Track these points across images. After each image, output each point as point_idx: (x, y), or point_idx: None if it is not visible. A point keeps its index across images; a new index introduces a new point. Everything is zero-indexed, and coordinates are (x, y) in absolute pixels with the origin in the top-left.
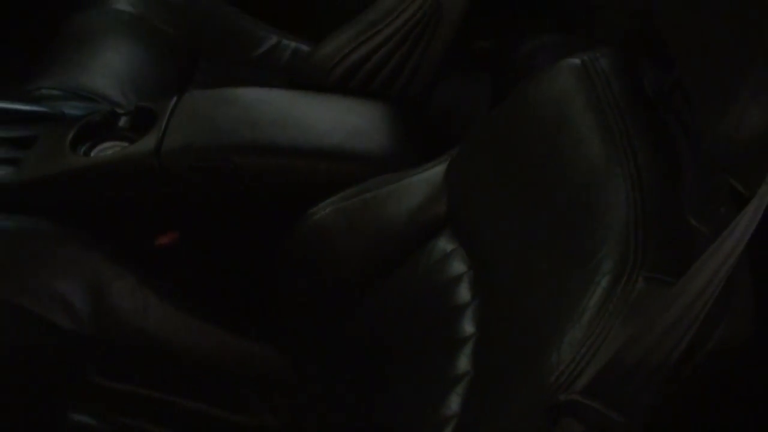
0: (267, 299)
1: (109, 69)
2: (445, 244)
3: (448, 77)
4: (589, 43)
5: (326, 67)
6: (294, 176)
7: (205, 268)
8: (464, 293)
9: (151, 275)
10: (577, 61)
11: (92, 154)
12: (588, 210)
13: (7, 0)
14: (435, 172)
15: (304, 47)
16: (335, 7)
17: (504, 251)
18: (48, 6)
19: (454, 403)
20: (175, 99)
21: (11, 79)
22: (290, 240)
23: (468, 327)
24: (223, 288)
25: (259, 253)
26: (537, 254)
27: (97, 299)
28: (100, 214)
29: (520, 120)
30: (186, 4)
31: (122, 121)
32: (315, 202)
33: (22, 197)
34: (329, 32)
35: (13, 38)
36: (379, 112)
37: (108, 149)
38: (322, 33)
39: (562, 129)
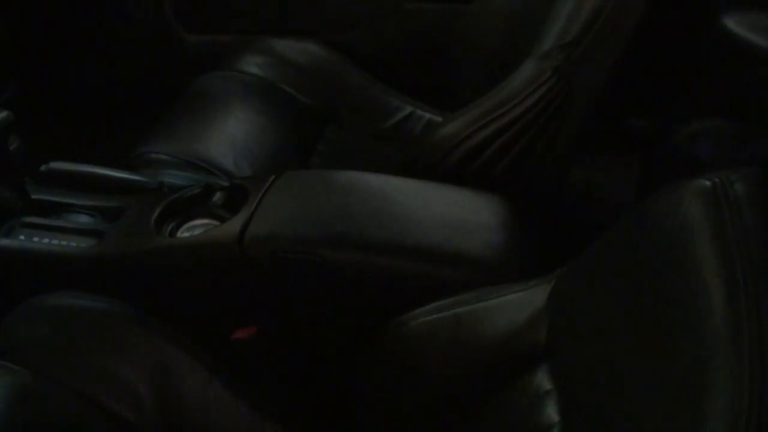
0: (342, 406)
1: (225, 136)
2: (540, 381)
3: (589, 157)
4: (759, 134)
5: (445, 149)
6: (386, 277)
7: (281, 367)
8: None
9: (223, 370)
10: (707, 183)
11: (179, 232)
12: (700, 387)
13: (130, 60)
14: (538, 292)
15: (438, 119)
16: (474, 78)
17: (609, 400)
18: (171, 66)
19: None
20: (272, 178)
21: (126, 140)
22: (373, 347)
23: None
24: (297, 389)
25: (339, 355)
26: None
27: (164, 391)
28: (179, 300)
29: (636, 248)
30: (317, 69)
31: (217, 197)
32: (406, 307)
33: (100, 272)
34: (466, 104)
35: (132, 98)
36: (494, 209)
37: (197, 228)
38: (459, 106)
39: (682, 271)
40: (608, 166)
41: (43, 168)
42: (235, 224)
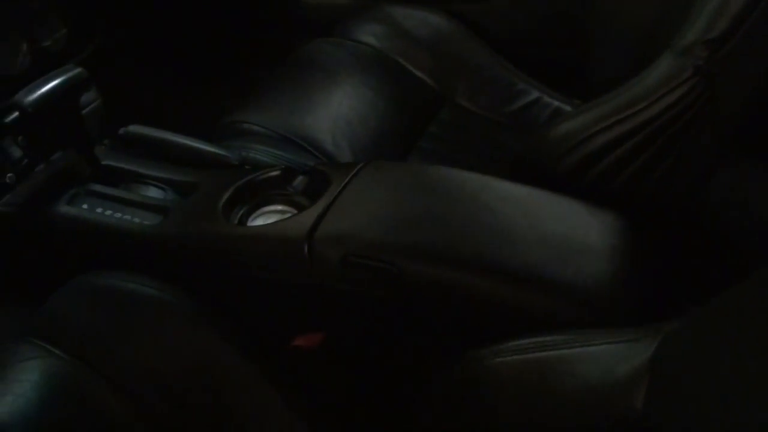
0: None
1: (327, 110)
2: None
3: (732, 164)
4: None
5: (560, 150)
6: (470, 299)
7: (338, 381)
8: None
9: (274, 376)
10: None
11: (250, 218)
12: None
13: (236, 15)
14: (642, 346)
15: (567, 108)
16: (610, 67)
17: None
18: (283, 28)
19: None
20: (358, 167)
21: (218, 107)
22: (446, 377)
23: None
24: (352, 407)
25: (406, 378)
26: None
27: (204, 390)
28: (238, 294)
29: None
30: (438, 42)
31: (298, 181)
32: (489, 336)
33: (159, 253)
34: (599, 95)
35: (232, 60)
36: (609, 230)
37: (270, 215)
38: (591, 94)
39: None
40: (754, 173)
41: (121, 131)
42: (307, 218)
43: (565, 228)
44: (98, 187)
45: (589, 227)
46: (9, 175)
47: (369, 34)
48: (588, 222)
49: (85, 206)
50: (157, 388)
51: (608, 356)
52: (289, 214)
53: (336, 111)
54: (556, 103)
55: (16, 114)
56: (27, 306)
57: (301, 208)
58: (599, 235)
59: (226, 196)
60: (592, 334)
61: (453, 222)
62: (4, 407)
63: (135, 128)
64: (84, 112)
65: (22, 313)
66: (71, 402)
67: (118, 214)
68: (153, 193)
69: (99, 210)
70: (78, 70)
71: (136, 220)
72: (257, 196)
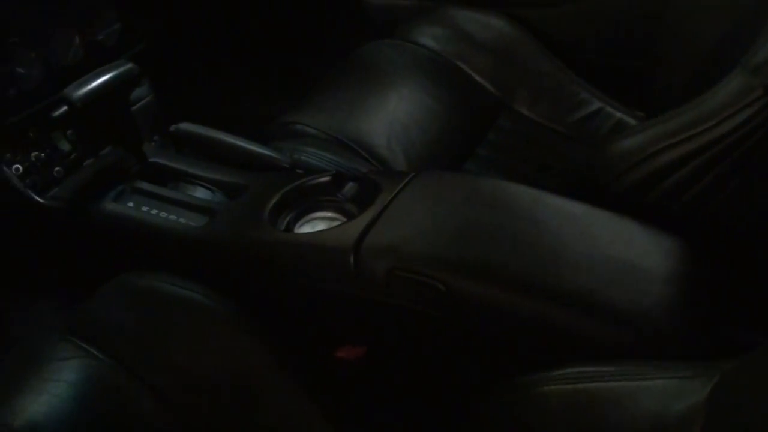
0: None
1: (383, 114)
2: None
3: None
4: None
5: (621, 167)
6: (519, 320)
7: (378, 395)
8: None
9: (314, 387)
10: None
11: (297, 224)
12: None
13: (296, 12)
14: (697, 383)
15: (631, 121)
16: (677, 80)
17: None
18: (343, 27)
19: None
20: (409, 176)
21: (272, 106)
22: (490, 399)
23: None
24: (394, 421)
25: (447, 396)
26: None
27: (242, 397)
28: (282, 301)
29: None
30: (499, 47)
31: (348, 187)
32: (536, 360)
33: (204, 255)
34: (663, 109)
35: (288, 58)
36: (669, 255)
37: (317, 222)
38: (655, 108)
39: None
40: None
41: (172, 128)
42: (354, 228)
43: (622, 251)
44: (145, 185)
45: (646, 251)
46: (57, 168)
47: (429, 37)
48: (646, 246)
49: (130, 204)
50: (194, 392)
51: (662, 393)
52: (337, 222)
53: (392, 115)
54: (618, 115)
55: (65, 108)
56: (67, 302)
57: (349, 216)
58: (657, 261)
59: (273, 200)
60: (646, 367)
61: (505, 238)
62: (40, 407)
63: (185, 126)
64: (135, 107)
65: (62, 309)
66: (106, 404)
67: (164, 214)
68: (200, 193)
69: (145, 208)
70: (129, 65)
71: (182, 220)
72: (306, 202)
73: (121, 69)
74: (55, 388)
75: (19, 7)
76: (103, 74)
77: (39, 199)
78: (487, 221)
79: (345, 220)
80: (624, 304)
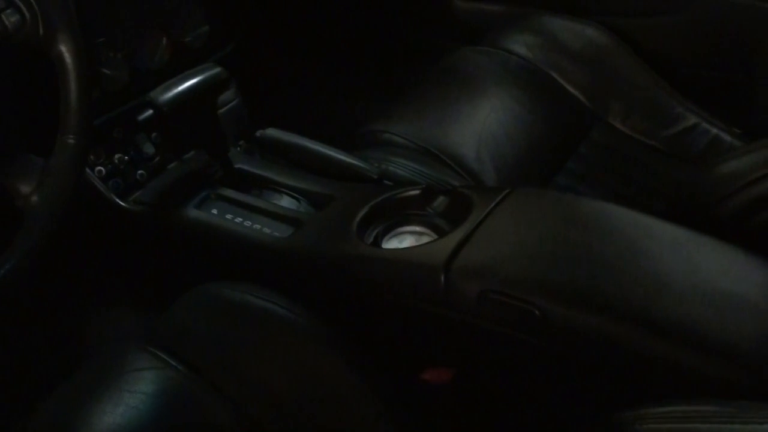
0: None
1: (472, 123)
2: None
3: None
4: None
5: (724, 191)
6: (614, 349)
7: (469, 423)
8: None
9: (396, 409)
10: None
11: (385, 238)
12: None
13: (383, 16)
14: None
15: (728, 138)
16: None
17: None
18: (431, 33)
19: None
20: (504, 193)
21: (358, 112)
22: None
23: None
24: None
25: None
26: None
27: (318, 415)
28: (368, 317)
29: None
30: (593, 57)
31: (438, 202)
32: (633, 393)
33: (288, 267)
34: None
35: (375, 64)
36: None
37: (406, 237)
38: (755, 126)
39: None
40: None
41: (258, 134)
42: (445, 246)
43: (727, 281)
44: (229, 192)
45: (753, 282)
46: (140, 172)
47: (521, 45)
48: (752, 276)
49: (214, 211)
50: (272, 407)
51: None
52: (426, 238)
53: (482, 125)
54: (715, 131)
55: (151, 111)
56: (146, 311)
57: (439, 232)
58: (765, 293)
59: (362, 213)
60: (754, 408)
61: (605, 263)
62: (115, 418)
63: (272, 132)
64: (221, 111)
65: (141, 318)
66: (183, 416)
67: (248, 223)
68: (286, 202)
69: (228, 216)
70: (217, 69)
71: (266, 230)
72: (394, 215)
73: (209, 73)
74: (132, 399)
75: (106, 8)
76: (191, 78)
77: (121, 203)
78: (586, 244)
79: (435, 236)
80: (728, 337)
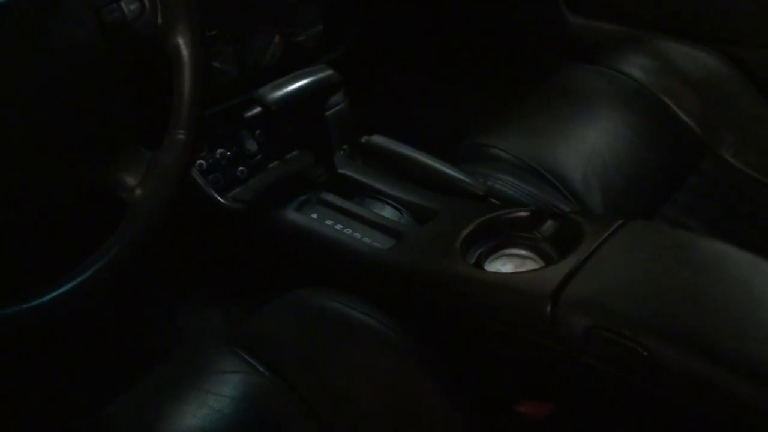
0: None
1: (580, 144)
2: None
3: None
4: None
5: None
6: (728, 401)
7: None
8: None
9: None
10: None
11: (488, 259)
12: None
13: (496, 28)
14: None
15: None
16: None
17: None
18: (543, 47)
19: None
20: (617, 224)
21: (462, 125)
22: None
23: None
24: None
25: None
26: None
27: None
28: (465, 338)
29: None
30: (709, 85)
31: (546, 226)
32: None
33: (386, 279)
34: None
35: (481, 75)
36: None
37: (510, 260)
38: None
39: None
40: None
41: (363, 139)
42: (554, 274)
43: None
44: (331, 197)
45: None
46: (241, 168)
47: (635, 67)
48: None
49: (314, 215)
50: (356, 421)
51: None
52: (531, 263)
53: (591, 147)
54: None
55: (258, 109)
56: (236, 311)
57: (546, 259)
58: None
59: (466, 231)
60: None
61: (718, 308)
62: (198, 420)
63: (378, 139)
64: (327, 113)
65: (230, 318)
66: (266, 426)
67: (348, 230)
68: (388, 213)
69: (328, 222)
70: (329, 72)
71: (366, 239)
72: (499, 236)
73: (321, 74)
74: (216, 402)
75: (221, 0)
76: (302, 78)
77: (220, 199)
78: (701, 286)
79: (540, 260)
80: None
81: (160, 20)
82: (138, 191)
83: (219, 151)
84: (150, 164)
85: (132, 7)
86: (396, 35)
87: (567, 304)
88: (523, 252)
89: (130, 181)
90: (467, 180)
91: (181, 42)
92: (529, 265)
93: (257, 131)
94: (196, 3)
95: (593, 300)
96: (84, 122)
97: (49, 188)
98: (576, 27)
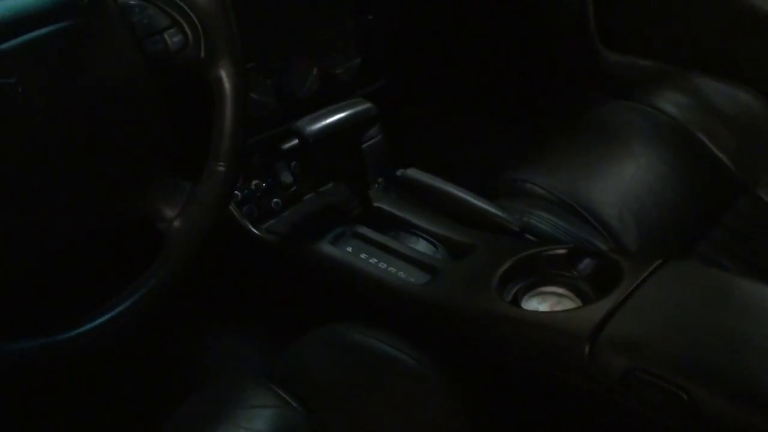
0: None
1: (616, 180)
2: None
3: None
4: None
5: None
6: None
7: None
8: None
9: None
10: None
11: (524, 298)
12: None
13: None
14: None
15: None
16: None
17: None
18: (578, 83)
19: None
20: (657, 263)
21: (507, 157)
22: None
23: None
24: None
25: None
26: None
27: None
28: (498, 377)
29: None
30: (746, 124)
31: (584, 264)
32: None
33: (420, 314)
34: None
35: (515, 109)
36: None
37: (547, 298)
38: None
39: None
40: None
41: (398, 173)
42: (592, 314)
43: None
44: (365, 231)
45: None
46: (275, 200)
47: (670, 103)
48: None
49: (349, 249)
50: None
51: None
52: (568, 302)
53: (626, 183)
54: None
55: (294, 141)
56: (267, 342)
57: (584, 298)
58: None
59: (503, 268)
60: None
61: (762, 351)
62: None
63: (413, 173)
64: (363, 146)
65: (261, 348)
66: None
67: (383, 264)
68: (423, 247)
69: (363, 256)
70: (367, 105)
71: (402, 274)
72: (536, 273)
73: (359, 108)
74: None
75: (259, 32)
76: (339, 111)
77: (253, 230)
78: (743, 330)
79: (578, 299)
80: None
81: (203, 53)
82: (176, 223)
83: (254, 182)
84: (189, 196)
85: (175, 39)
86: (432, 70)
87: (606, 344)
88: (560, 290)
89: (169, 212)
90: (503, 215)
91: (224, 74)
92: (567, 304)
93: (293, 163)
94: (238, 36)
95: (633, 341)
96: (124, 153)
97: (89, 217)
98: (611, 63)
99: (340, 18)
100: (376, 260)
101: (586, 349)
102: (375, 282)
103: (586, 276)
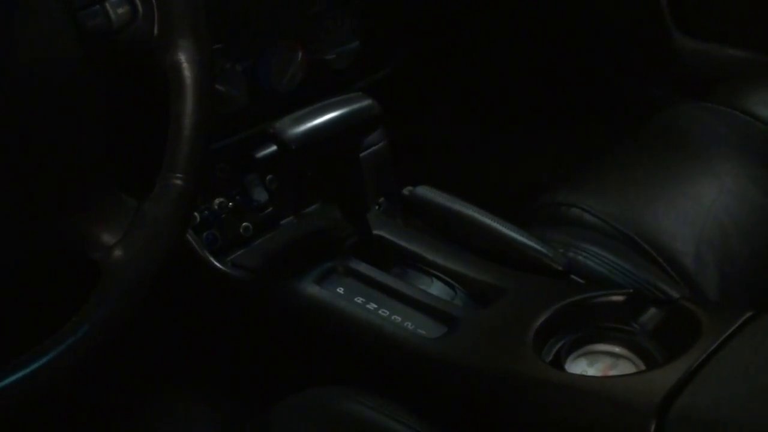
0: None
1: (691, 206)
2: None
3: None
4: None
5: None
6: None
7: None
8: None
9: None
10: None
11: (569, 357)
12: None
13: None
14: None
15: None
16: None
17: None
18: (648, 77)
19: None
20: (743, 319)
21: (547, 178)
22: None
23: None
24: None
25: None
26: None
27: None
28: None
29: None
30: None
31: (648, 315)
32: None
33: (435, 377)
34: None
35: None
36: None
37: (597, 356)
38: None
39: None
40: None
41: (405, 191)
42: (660, 381)
43: None
44: (362, 267)
45: None
46: (245, 224)
47: (763, 105)
48: None
49: (340, 290)
50: None
51: None
52: (628, 364)
53: (705, 210)
54: None
55: (272, 147)
56: (233, 412)
57: (649, 360)
58: None
59: (541, 319)
60: None
61: None
62: None
63: (423, 191)
64: (361, 156)
65: (227, 417)
66: None
67: (384, 312)
68: (437, 290)
69: (359, 300)
70: (368, 101)
71: (409, 325)
72: (585, 326)
73: (356, 105)
74: None
75: (230, 6)
76: (332, 109)
77: (215, 263)
78: None
79: (640, 362)
80: None
81: (156, 30)
82: (117, 252)
83: (217, 200)
84: (135, 217)
85: (120, 11)
86: (450, 56)
87: (677, 421)
88: (616, 349)
89: (107, 238)
90: (542, 249)
91: (183, 59)
92: (625, 368)
93: (269, 176)
94: (203, 9)
95: (713, 417)
96: (49, 159)
97: None
98: (687, 52)
99: None
100: (375, 306)
101: (652, 428)
102: (373, 334)
103: (650, 331)
